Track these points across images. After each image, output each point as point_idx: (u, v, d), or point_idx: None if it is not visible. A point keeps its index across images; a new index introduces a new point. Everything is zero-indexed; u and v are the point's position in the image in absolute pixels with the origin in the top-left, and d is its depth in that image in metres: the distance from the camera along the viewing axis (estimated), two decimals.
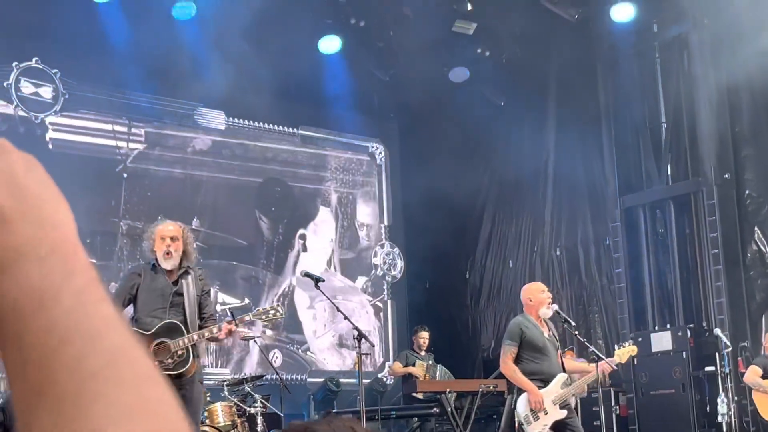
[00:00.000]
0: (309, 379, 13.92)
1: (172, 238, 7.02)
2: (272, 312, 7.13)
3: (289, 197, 14.99)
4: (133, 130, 13.33)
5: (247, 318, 7.04)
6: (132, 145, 13.37)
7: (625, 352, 9.05)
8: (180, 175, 13.91)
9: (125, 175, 13.31)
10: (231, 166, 14.38)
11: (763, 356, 10.59)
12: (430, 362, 12.33)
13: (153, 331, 6.84)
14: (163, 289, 6.98)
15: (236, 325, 6.83)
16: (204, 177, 14.10)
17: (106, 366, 0.69)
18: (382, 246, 15.24)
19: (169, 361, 6.79)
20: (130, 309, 7.08)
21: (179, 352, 6.83)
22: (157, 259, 7.05)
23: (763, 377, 10.36)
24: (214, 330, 6.82)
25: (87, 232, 12.45)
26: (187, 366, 6.84)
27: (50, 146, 12.37)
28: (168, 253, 6.99)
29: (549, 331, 8.67)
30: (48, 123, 12.46)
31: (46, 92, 12.38)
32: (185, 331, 6.84)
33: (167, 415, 0.69)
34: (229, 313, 6.97)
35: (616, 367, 9.10)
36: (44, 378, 0.69)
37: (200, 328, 6.96)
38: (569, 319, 8.92)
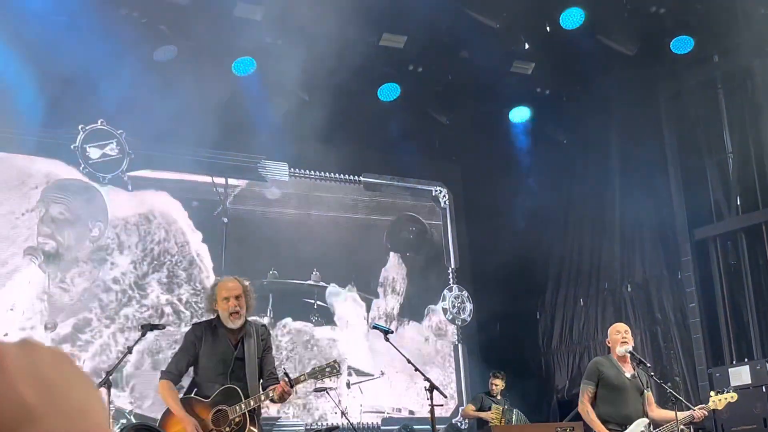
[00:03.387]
0: (383, 427, 13.81)
1: (237, 297, 6.76)
2: (328, 369, 6.78)
3: (427, 234, 15.00)
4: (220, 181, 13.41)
5: (302, 378, 6.72)
6: (231, 184, 13.38)
7: (724, 398, 8.53)
8: (292, 216, 13.78)
9: (225, 220, 13.26)
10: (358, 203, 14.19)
11: None
12: (506, 406, 12.21)
13: (212, 397, 6.70)
14: (225, 354, 6.78)
15: (291, 386, 6.57)
16: (322, 218, 13.95)
17: None
18: (450, 289, 15.13)
19: (227, 429, 6.63)
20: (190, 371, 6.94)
21: (236, 419, 6.64)
22: (219, 317, 6.83)
23: None
24: (270, 393, 6.60)
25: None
26: None
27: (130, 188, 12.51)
28: (235, 313, 6.75)
29: (634, 371, 8.45)
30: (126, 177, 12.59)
31: (112, 152, 12.55)
32: (242, 397, 6.65)
33: None
34: (284, 373, 6.66)
35: (707, 414, 8.68)
36: None
37: (262, 388, 6.78)
38: (644, 360, 8.72)
